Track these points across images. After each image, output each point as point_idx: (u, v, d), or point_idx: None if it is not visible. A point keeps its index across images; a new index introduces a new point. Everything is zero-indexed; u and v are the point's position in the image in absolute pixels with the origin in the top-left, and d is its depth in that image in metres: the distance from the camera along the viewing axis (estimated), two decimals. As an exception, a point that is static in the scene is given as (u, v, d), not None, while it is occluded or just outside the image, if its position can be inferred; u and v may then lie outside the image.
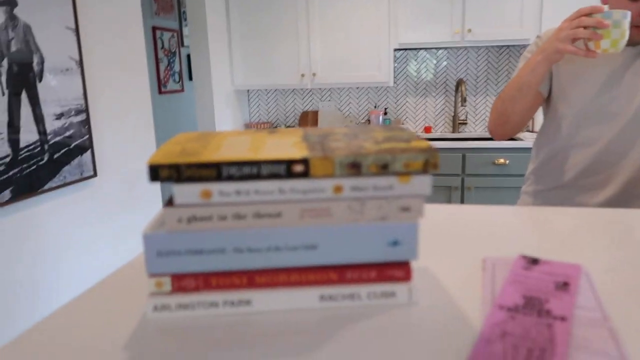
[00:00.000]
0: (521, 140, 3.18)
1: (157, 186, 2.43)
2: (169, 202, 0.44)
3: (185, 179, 0.42)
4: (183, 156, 0.43)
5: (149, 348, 0.40)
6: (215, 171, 0.42)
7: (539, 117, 3.13)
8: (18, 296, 1.66)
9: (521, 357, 0.36)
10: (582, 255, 0.58)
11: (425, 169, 0.43)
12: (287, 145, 0.46)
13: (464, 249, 0.61)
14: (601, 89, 1.10)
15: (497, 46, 3.44)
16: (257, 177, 0.42)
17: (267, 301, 0.45)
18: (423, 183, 0.44)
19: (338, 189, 0.43)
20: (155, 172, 0.41)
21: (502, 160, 3.02)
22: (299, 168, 0.42)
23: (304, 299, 0.45)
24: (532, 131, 3.37)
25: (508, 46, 3.44)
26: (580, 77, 1.11)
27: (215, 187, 0.42)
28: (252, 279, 0.45)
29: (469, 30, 3.16)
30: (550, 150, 1.21)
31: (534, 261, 0.54)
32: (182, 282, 0.44)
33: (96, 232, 2.03)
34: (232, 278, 0.45)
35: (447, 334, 0.41)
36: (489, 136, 3.40)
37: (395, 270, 0.46)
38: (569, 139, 1.15)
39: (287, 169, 0.42)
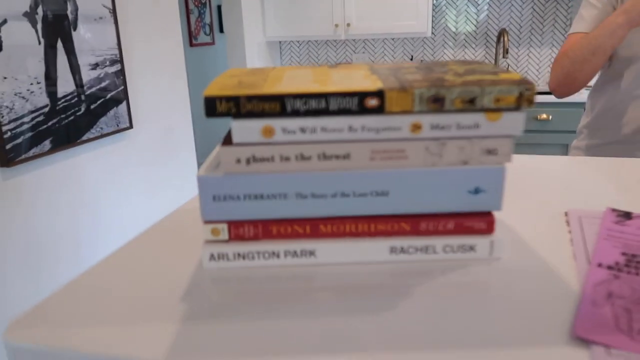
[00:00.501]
0: (567, 94, 3.02)
1: (190, 138, 2.42)
2: (225, 141, 0.39)
3: (244, 114, 0.37)
4: (242, 88, 0.38)
5: (206, 299, 0.37)
6: (278, 105, 0.37)
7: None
8: (59, 244, 1.69)
9: (637, 322, 0.31)
10: (676, 210, 0.51)
11: (518, 104, 0.37)
12: (357, 78, 0.41)
13: (539, 200, 0.55)
14: None
15: (545, -7, 3.21)
16: (325, 112, 0.37)
17: (332, 252, 0.41)
18: (515, 121, 0.38)
19: (416, 128, 0.38)
20: (212, 106, 0.37)
21: (544, 116, 2.88)
22: (372, 102, 0.37)
23: (372, 251, 0.41)
24: (579, 85, 3.19)
25: (557, -7, 3.20)
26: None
27: (278, 124, 0.37)
28: (316, 227, 0.41)
29: (516, -25, 2.95)
30: (608, 102, 1.12)
31: (627, 215, 0.48)
32: (241, 230, 0.40)
33: (132, 182, 2.04)
34: (294, 226, 0.41)
35: (538, 293, 0.37)
36: (532, 90, 3.23)
37: (475, 221, 0.41)
38: (629, 91, 1.07)
39: (359, 103, 0.37)
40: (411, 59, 3.53)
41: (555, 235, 0.46)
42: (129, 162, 2.02)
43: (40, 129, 1.62)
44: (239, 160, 0.39)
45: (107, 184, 1.91)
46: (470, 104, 0.37)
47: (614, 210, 0.49)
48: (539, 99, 2.88)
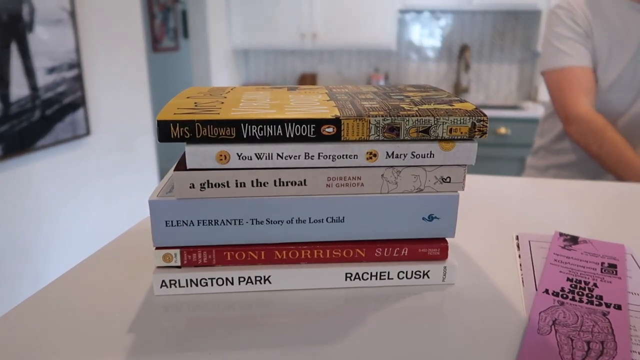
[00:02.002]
0: (523, 109, 3.12)
1: (151, 145, 2.37)
2: (179, 165, 0.39)
3: (199, 139, 0.36)
4: (197, 112, 0.37)
5: (157, 328, 0.36)
6: (234, 130, 0.36)
7: (543, 88, 3.06)
8: (10, 256, 1.62)
9: (579, 351, 0.32)
10: (619, 232, 0.54)
11: (471, 134, 0.38)
12: (314, 103, 0.41)
13: (492, 223, 0.56)
14: (630, 60, 1.04)
15: (504, 12, 3.33)
16: (281, 139, 0.37)
17: (288, 279, 0.41)
18: (468, 151, 0.39)
19: (372, 155, 0.38)
20: (166, 131, 0.36)
21: (503, 130, 2.97)
22: (329, 130, 0.37)
23: (328, 278, 0.41)
24: (535, 101, 3.31)
25: (515, 12, 3.33)
26: (612, 49, 1.05)
27: (233, 149, 0.37)
28: (272, 253, 0.40)
29: (478, -7, 3.04)
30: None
31: (573, 239, 0.49)
32: (194, 256, 0.40)
33: (89, 191, 1.97)
34: (249, 252, 0.40)
35: (487, 319, 0.37)
36: (491, 104, 3.34)
37: (430, 247, 0.41)
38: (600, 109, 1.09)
39: (315, 130, 0.37)
40: (375, 71, 3.58)
41: (506, 260, 0.47)
42: (86, 170, 1.95)
43: (-9, 134, 1.55)
44: (192, 186, 0.38)
45: (62, 193, 1.84)
46: (424, 134, 0.38)
47: (561, 234, 0.51)
48: (498, 114, 2.97)
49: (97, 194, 2.02)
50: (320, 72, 3.64)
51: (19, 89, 1.65)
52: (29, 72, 1.70)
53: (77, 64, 1.89)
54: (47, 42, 1.76)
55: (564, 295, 0.39)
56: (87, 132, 1.95)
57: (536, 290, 0.40)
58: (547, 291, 0.40)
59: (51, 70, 1.80)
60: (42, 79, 1.75)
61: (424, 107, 0.40)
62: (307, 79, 3.62)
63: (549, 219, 0.58)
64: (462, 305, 0.39)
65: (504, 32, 3.39)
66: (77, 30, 1.88)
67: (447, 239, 0.42)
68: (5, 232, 1.60)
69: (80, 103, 1.91)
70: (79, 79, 1.90)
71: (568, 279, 0.42)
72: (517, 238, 0.51)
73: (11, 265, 1.62)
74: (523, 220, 0.57)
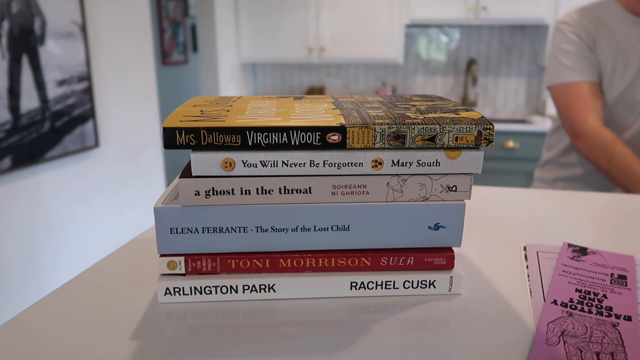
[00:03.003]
0: (530, 123, 3.12)
1: (160, 158, 2.38)
2: (184, 173, 0.39)
3: (205, 147, 0.36)
4: (203, 120, 0.37)
5: (161, 336, 0.36)
6: (239, 138, 0.36)
7: (551, 102, 3.06)
8: (16, 267, 1.62)
9: (589, 362, 0.31)
10: (628, 244, 0.53)
11: (477, 143, 0.38)
12: (319, 112, 0.41)
13: (499, 233, 0.56)
14: (634, 76, 1.04)
15: (511, 26, 3.34)
16: (287, 146, 0.37)
17: (292, 288, 0.40)
18: (474, 159, 0.39)
19: (377, 164, 0.38)
20: (172, 137, 0.36)
21: (511, 144, 2.96)
22: (334, 137, 0.37)
23: (333, 286, 0.41)
24: (542, 114, 3.30)
25: (522, 26, 3.34)
26: (615, 64, 1.05)
27: (238, 157, 0.37)
28: (276, 262, 0.40)
29: (484, 8, 3.06)
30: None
31: (582, 250, 0.49)
32: (198, 263, 0.40)
33: (98, 203, 1.98)
34: (253, 260, 0.40)
35: (495, 329, 0.37)
36: (498, 118, 3.33)
37: (436, 256, 0.41)
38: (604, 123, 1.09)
39: (321, 138, 0.37)
40: (383, 85, 3.59)
41: (513, 270, 0.46)
42: (94, 181, 1.97)
43: (1, 145, 1.57)
44: (197, 193, 0.38)
45: (71, 204, 1.85)
46: (430, 142, 0.38)
47: (570, 245, 0.50)
48: (506, 127, 2.96)
49: (105, 205, 2.03)
50: (327, 85, 3.66)
51: (29, 101, 1.68)
52: (40, 85, 1.73)
53: (87, 77, 1.91)
54: (57, 55, 1.78)
55: (573, 306, 0.38)
56: (96, 144, 1.96)
57: (544, 300, 0.40)
58: (555, 302, 0.39)
59: (61, 83, 1.82)
60: (52, 91, 1.77)
61: (430, 115, 0.39)
62: (315, 93, 3.64)
63: (556, 230, 0.57)
64: (469, 316, 0.39)
65: (511, 46, 3.40)
66: (88, 43, 1.91)
67: (453, 248, 0.41)
68: (13, 242, 1.60)
69: (89, 115, 1.93)
70: (88, 92, 1.92)
71: (577, 290, 0.41)
72: (525, 249, 0.50)
73: (18, 275, 1.63)
74: (530, 231, 0.57)
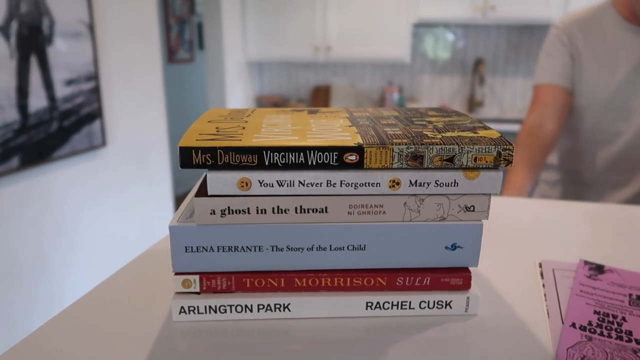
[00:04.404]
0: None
1: (166, 157, 2.38)
2: (200, 191, 0.38)
3: (221, 166, 0.36)
4: (219, 139, 0.37)
5: (174, 356, 0.36)
6: (256, 157, 0.36)
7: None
8: (26, 266, 1.63)
9: (611, 391, 0.31)
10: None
11: (497, 164, 0.37)
12: (335, 129, 0.40)
13: (513, 248, 0.55)
14: (623, 82, 1.03)
15: (519, 26, 3.32)
16: (303, 166, 0.37)
17: (307, 307, 0.40)
18: (493, 180, 0.38)
19: (395, 184, 0.38)
20: (188, 157, 0.36)
21: (518, 144, 2.94)
22: (352, 157, 0.36)
23: (348, 306, 0.40)
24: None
25: (530, 26, 3.31)
26: (603, 70, 1.05)
27: (255, 176, 0.37)
28: (291, 281, 0.40)
29: (492, 7, 3.04)
30: (571, 146, 1.15)
31: (599, 268, 0.48)
32: (213, 282, 0.39)
33: (105, 201, 1.99)
34: (268, 279, 0.40)
35: (512, 353, 0.36)
36: (505, 118, 3.32)
37: (452, 276, 0.40)
38: (589, 135, 1.10)
39: (338, 158, 0.36)
40: (389, 84, 3.58)
41: (529, 289, 0.46)
42: (102, 180, 1.97)
43: (9, 145, 1.57)
44: (213, 212, 0.38)
45: (79, 203, 1.86)
46: (448, 162, 0.37)
47: (586, 262, 0.50)
48: (513, 128, 2.95)
49: (113, 204, 2.03)
50: (334, 84, 3.65)
51: (37, 100, 1.68)
52: (48, 84, 1.73)
53: (94, 76, 1.92)
54: (65, 54, 1.78)
55: (592, 330, 0.38)
56: (103, 143, 1.97)
57: (562, 323, 0.39)
58: (574, 325, 0.38)
59: (69, 82, 1.82)
60: (60, 91, 1.77)
61: (448, 134, 0.39)
62: (321, 92, 3.63)
63: (570, 244, 0.57)
64: (486, 338, 0.38)
65: (519, 46, 3.38)
66: (95, 42, 1.91)
67: (470, 268, 0.41)
68: (23, 241, 1.61)
69: (96, 114, 1.94)
70: (96, 91, 1.93)
71: (595, 312, 0.40)
72: (540, 266, 0.50)
73: (29, 274, 1.63)
74: (544, 245, 0.56)
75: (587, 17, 1.08)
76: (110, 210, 2.02)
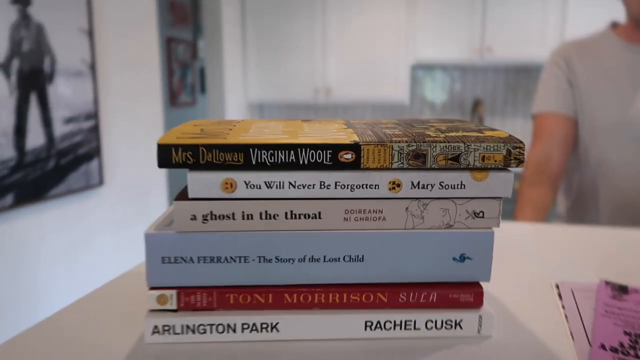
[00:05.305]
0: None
1: (165, 199, 2.35)
2: (180, 196, 0.35)
3: (203, 165, 0.33)
4: (202, 137, 0.34)
5: (146, 383, 0.31)
6: (242, 156, 0.33)
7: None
8: (16, 306, 1.56)
9: (655, 419, 0.26)
10: (672, 283, 0.48)
11: (507, 163, 0.34)
12: (331, 131, 0.37)
13: (525, 270, 0.51)
14: (629, 103, 0.98)
15: (516, 67, 3.36)
16: (294, 166, 0.33)
17: (298, 327, 0.35)
18: (503, 182, 0.34)
19: (395, 186, 0.34)
20: (167, 155, 0.32)
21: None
22: (347, 156, 0.33)
23: (345, 326, 0.36)
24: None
25: (527, 67, 3.36)
26: (604, 92, 1.01)
27: (240, 177, 0.33)
28: (281, 297, 0.35)
29: (489, 49, 3.09)
30: (581, 185, 1.09)
31: (622, 289, 0.44)
32: (192, 298, 0.35)
33: (100, 243, 1.94)
34: (255, 295, 0.35)
35: (535, 379, 0.32)
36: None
37: (462, 292, 0.36)
38: (598, 166, 1.03)
39: (332, 157, 0.33)
40: (389, 125, 3.59)
41: (546, 310, 0.41)
42: (97, 221, 1.93)
43: (4, 182, 1.55)
44: (194, 217, 0.34)
45: (73, 242, 1.81)
46: (454, 162, 0.34)
47: (607, 283, 0.45)
48: (515, 169, 2.92)
49: (108, 245, 1.98)
50: (334, 126, 3.66)
51: (35, 138, 1.67)
52: (47, 122, 1.72)
53: (94, 115, 1.91)
54: (66, 93, 1.79)
55: (624, 352, 0.33)
56: (100, 182, 1.94)
57: (590, 345, 0.35)
58: (603, 346, 0.34)
59: (68, 121, 1.82)
60: (59, 129, 1.77)
61: (452, 134, 0.36)
62: (321, 133, 3.64)
63: (583, 266, 0.52)
64: (502, 362, 0.33)
65: (517, 87, 3.41)
66: (97, 82, 1.92)
67: (481, 283, 0.37)
68: (15, 281, 1.55)
69: (95, 153, 1.92)
70: (95, 130, 1.92)
71: (625, 333, 0.36)
72: (558, 287, 0.45)
73: (15, 315, 1.56)
74: (556, 267, 0.52)
75: (584, 42, 1.07)
76: (105, 251, 1.97)
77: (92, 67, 1.89)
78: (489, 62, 3.15)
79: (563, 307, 0.41)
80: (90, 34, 1.87)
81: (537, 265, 0.52)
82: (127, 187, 2.09)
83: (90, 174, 1.91)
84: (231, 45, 3.20)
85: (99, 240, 1.93)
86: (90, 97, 1.89)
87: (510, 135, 0.35)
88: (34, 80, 1.67)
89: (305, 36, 3.28)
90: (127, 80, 2.09)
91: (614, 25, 1.06)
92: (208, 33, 3.11)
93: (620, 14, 1.09)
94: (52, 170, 1.74)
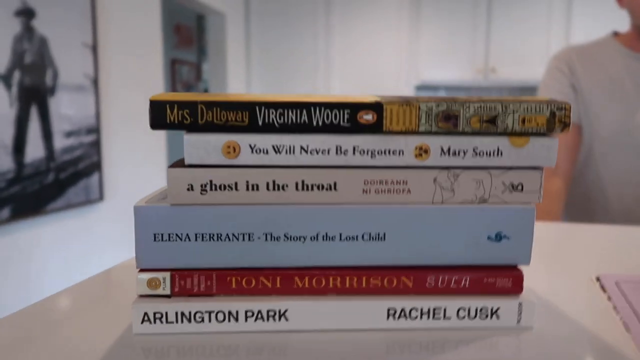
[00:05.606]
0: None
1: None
2: (176, 163, 0.31)
3: (202, 126, 0.29)
4: (202, 96, 0.30)
5: (131, 377, 0.26)
6: (247, 115, 0.29)
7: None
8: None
9: None
10: None
11: (550, 127, 0.30)
12: (352, 97, 0.33)
13: (560, 264, 0.46)
14: (633, 111, 0.95)
15: (520, 88, 3.35)
16: (307, 128, 0.29)
17: (310, 316, 0.31)
18: (546, 149, 0.30)
19: (422, 152, 0.30)
20: (161, 113, 0.28)
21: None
22: (368, 117, 0.29)
23: (364, 315, 0.31)
24: (559, 175, 3.22)
25: (531, 88, 3.34)
26: (608, 99, 0.98)
27: (245, 140, 0.29)
28: (290, 280, 0.31)
29: (493, 70, 3.08)
30: (581, 188, 1.06)
31: (673, 282, 0.39)
32: (188, 281, 0.30)
33: (99, 260, 1.88)
34: (260, 279, 0.31)
35: (591, 375, 0.27)
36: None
37: (498, 276, 0.31)
38: (597, 175, 1.01)
39: (350, 118, 0.29)
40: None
41: (590, 301, 0.36)
42: (97, 235, 1.88)
43: (1, 194, 1.51)
44: (191, 187, 0.29)
45: (71, 258, 1.76)
46: (490, 125, 0.30)
47: (654, 276, 0.40)
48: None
49: (107, 262, 1.93)
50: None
51: (34, 150, 1.63)
52: (47, 135, 1.69)
53: (95, 129, 1.89)
54: (67, 106, 1.77)
55: (693, 344, 0.28)
56: (101, 198, 1.90)
57: (650, 337, 0.30)
58: (666, 338, 0.29)
59: (69, 134, 1.79)
60: (60, 143, 1.73)
61: (487, 98, 0.32)
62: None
63: (617, 260, 0.47)
64: (549, 357, 0.29)
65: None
66: (99, 96, 1.90)
67: (520, 267, 0.32)
68: (9, 296, 1.50)
69: (95, 168, 1.89)
70: (96, 144, 1.89)
71: (687, 325, 0.31)
72: (599, 279, 0.40)
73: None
74: (590, 261, 0.47)
75: (586, 48, 1.04)
76: (105, 267, 1.92)
77: (95, 82, 1.87)
78: (493, 83, 3.14)
79: (609, 298, 0.36)
80: (94, 49, 1.86)
81: (567, 261, 0.48)
82: (128, 203, 2.05)
83: (90, 188, 1.87)
84: (235, 65, 3.21)
85: (98, 257, 1.88)
86: (92, 111, 1.87)
87: (552, 99, 0.31)
88: (35, 93, 1.64)
89: (309, 57, 3.28)
90: (130, 96, 2.07)
91: (615, 34, 1.04)
92: (212, 53, 3.12)
93: (623, 29, 1.07)
94: (51, 184, 1.71)
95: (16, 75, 1.58)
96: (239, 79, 3.26)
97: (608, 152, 0.99)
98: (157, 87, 2.22)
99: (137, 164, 2.12)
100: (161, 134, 2.27)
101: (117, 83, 1.99)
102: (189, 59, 4.15)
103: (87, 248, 1.84)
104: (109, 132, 1.96)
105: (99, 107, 1.89)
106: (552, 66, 1.06)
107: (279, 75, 3.35)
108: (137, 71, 2.10)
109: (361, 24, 3.21)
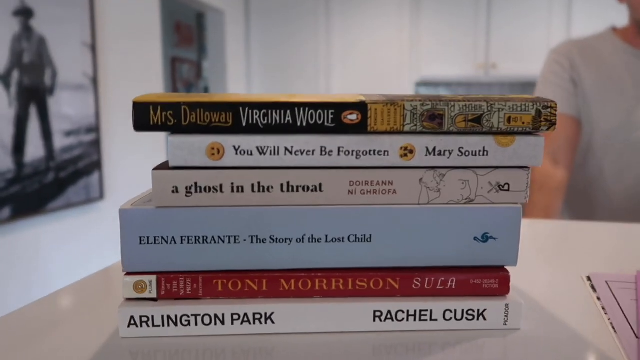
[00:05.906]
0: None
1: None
2: (161, 166, 0.31)
3: (186, 127, 0.28)
4: (186, 96, 0.30)
5: (116, 380, 0.26)
6: (231, 116, 0.28)
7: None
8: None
9: None
10: None
11: (536, 126, 0.29)
12: (336, 96, 0.33)
13: (549, 264, 0.46)
14: (633, 107, 0.95)
15: (521, 83, 3.34)
16: (291, 128, 0.29)
17: (296, 319, 0.31)
18: (531, 148, 0.30)
19: (407, 152, 0.30)
20: (144, 115, 0.28)
21: (529, 200, 2.85)
22: (352, 117, 0.29)
23: (350, 318, 0.31)
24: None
25: (532, 83, 3.33)
26: (609, 94, 0.97)
27: (229, 141, 0.29)
28: (276, 283, 0.31)
29: (493, 65, 3.07)
30: (582, 182, 1.05)
31: (664, 281, 0.39)
32: (174, 284, 0.30)
33: (100, 259, 1.89)
34: (246, 281, 0.31)
35: (577, 376, 0.26)
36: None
37: (485, 278, 0.31)
38: (596, 171, 1.00)
39: (335, 118, 0.29)
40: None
41: (579, 302, 0.36)
42: (97, 234, 1.89)
43: (1, 194, 1.51)
44: (176, 190, 0.29)
45: (71, 257, 1.76)
46: (475, 124, 0.29)
47: (646, 275, 0.40)
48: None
49: (108, 261, 1.93)
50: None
51: (34, 150, 1.64)
52: (46, 135, 1.70)
53: (95, 129, 1.89)
54: (67, 106, 1.77)
55: (680, 344, 0.28)
56: (101, 196, 1.91)
57: (637, 337, 0.29)
58: (653, 339, 0.29)
59: (69, 134, 1.79)
60: (59, 142, 1.74)
61: (472, 96, 0.31)
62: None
63: (608, 259, 0.47)
64: (535, 359, 0.28)
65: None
66: (98, 96, 1.90)
67: (507, 268, 0.32)
68: (9, 296, 1.50)
69: (95, 167, 1.89)
70: (96, 143, 1.89)
71: (676, 325, 0.31)
72: (589, 279, 0.40)
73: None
74: (580, 261, 0.46)
75: (586, 42, 1.03)
76: (106, 265, 1.92)
77: (94, 81, 1.87)
78: (494, 79, 3.13)
79: (599, 299, 0.36)
80: (93, 48, 1.86)
81: (560, 259, 0.47)
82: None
83: (90, 187, 1.87)
84: (235, 63, 3.20)
85: (99, 256, 1.89)
86: (91, 110, 1.87)
87: (538, 97, 0.31)
88: (34, 92, 1.65)
89: (309, 55, 3.28)
90: (129, 95, 2.07)
91: (614, 29, 1.03)
92: (212, 52, 3.12)
93: (623, 25, 1.06)
94: (51, 183, 1.71)
95: (15, 75, 1.58)
96: (239, 76, 3.26)
97: (608, 145, 0.98)
98: (156, 85, 2.22)
99: (138, 162, 2.12)
100: (161, 136, 2.27)
101: (116, 82, 1.99)
102: (189, 57, 4.15)
103: (88, 247, 1.84)
104: (108, 130, 1.96)
105: (98, 106, 1.89)
106: (551, 60, 1.05)
107: (279, 72, 3.34)
108: (136, 70, 2.10)
109: (361, 21, 3.20)
